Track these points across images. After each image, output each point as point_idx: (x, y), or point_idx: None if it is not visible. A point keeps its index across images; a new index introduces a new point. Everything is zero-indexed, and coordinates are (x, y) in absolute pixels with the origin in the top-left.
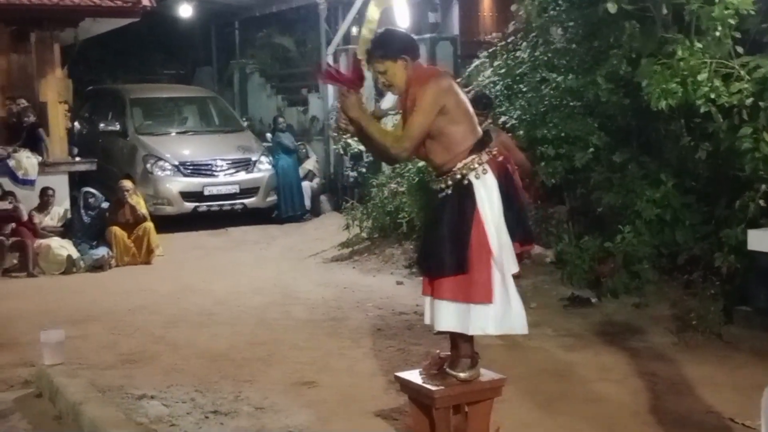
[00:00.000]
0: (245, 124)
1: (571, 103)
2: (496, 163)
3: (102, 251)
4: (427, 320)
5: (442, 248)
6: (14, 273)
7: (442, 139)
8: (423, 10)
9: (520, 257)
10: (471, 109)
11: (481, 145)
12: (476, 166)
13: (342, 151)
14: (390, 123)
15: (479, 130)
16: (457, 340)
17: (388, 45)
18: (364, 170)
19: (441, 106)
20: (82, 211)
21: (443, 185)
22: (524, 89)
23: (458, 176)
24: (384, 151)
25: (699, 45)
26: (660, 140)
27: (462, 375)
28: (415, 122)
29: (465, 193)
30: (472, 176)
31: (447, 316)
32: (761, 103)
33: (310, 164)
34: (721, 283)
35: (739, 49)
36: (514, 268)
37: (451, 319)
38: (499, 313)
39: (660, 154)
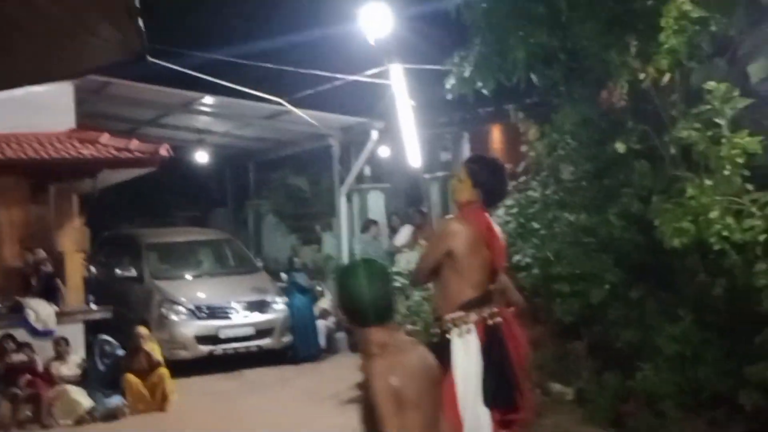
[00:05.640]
0: (260, 264)
1: (585, 240)
2: (484, 326)
3: (116, 400)
4: None
5: None
6: (27, 425)
7: (440, 284)
8: (435, 148)
9: (510, 423)
10: (486, 265)
11: (480, 303)
12: (461, 324)
13: None
14: (403, 260)
15: (486, 287)
16: None
17: (481, 171)
18: None
19: (447, 249)
20: (98, 358)
21: (436, 330)
22: (537, 227)
23: (445, 328)
24: None
25: (709, 182)
26: (676, 276)
27: None
28: (422, 255)
29: (446, 348)
30: (454, 333)
31: None
32: None
33: (324, 303)
34: (747, 421)
35: (749, 186)
36: None
37: None
38: None
39: (677, 290)
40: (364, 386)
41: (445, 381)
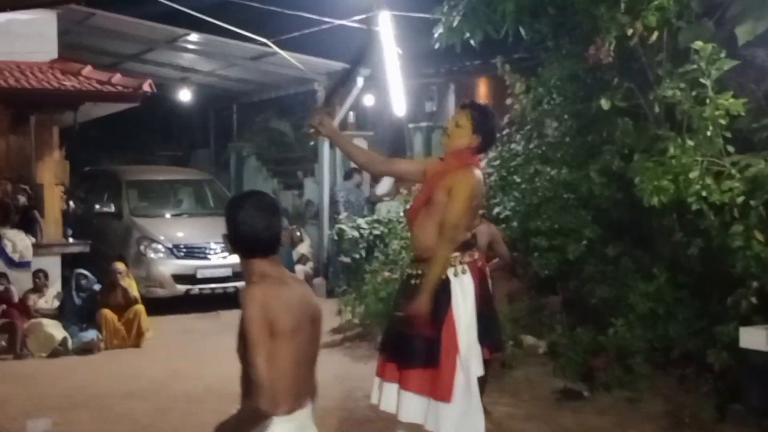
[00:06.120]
0: None
1: (565, 196)
2: (475, 267)
3: (91, 334)
4: (383, 406)
5: (413, 338)
6: (2, 355)
7: (432, 225)
8: (420, 98)
9: (487, 363)
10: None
11: (466, 246)
12: (457, 264)
13: (336, 237)
14: (384, 209)
15: (471, 231)
16: None
17: (483, 118)
18: (357, 256)
19: (475, 198)
20: (74, 292)
21: (419, 272)
22: (518, 181)
23: None
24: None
25: (690, 143)
26: (653, 235)
27: None
28: (456, 210)
29: (441, 288)
30: (450, 273)
31: (411, 407)
32: (752, 202)
33: (303, 248)
34: (714, 380)
35: (730, 148)
36: (479, 371)
37: (415, 410)
38: (457, 414)
39: (653, 248)
40: (241, 315)
41: (445, 319)
